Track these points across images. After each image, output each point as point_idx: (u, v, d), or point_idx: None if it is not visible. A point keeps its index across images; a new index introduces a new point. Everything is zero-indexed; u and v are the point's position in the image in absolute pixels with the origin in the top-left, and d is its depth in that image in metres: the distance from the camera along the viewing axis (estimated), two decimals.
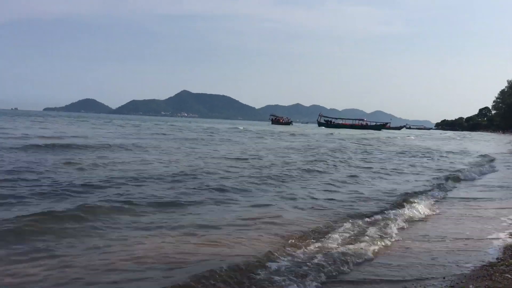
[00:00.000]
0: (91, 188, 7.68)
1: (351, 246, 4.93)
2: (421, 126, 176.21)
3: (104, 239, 4.88)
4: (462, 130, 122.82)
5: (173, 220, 5.83)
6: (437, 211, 7.50)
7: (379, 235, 5.55)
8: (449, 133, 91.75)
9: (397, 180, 11.45)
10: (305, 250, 4.73)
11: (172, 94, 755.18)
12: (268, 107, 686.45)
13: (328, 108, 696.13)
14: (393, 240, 5.46)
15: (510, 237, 5.70)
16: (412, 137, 49.44)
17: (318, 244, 4.98)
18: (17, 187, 7.38)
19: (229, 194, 7.86)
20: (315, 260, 4.36)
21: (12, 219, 5.26)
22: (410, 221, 6.62)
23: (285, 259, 4.35)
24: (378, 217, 6.52)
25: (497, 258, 4.79)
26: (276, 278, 3.88)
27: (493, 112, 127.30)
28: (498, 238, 5.69)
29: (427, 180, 11.30)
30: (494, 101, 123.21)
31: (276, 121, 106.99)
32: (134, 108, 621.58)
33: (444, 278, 4.17)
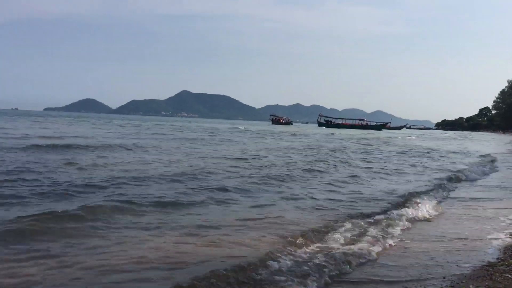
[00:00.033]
0: (91, 188, 7.69)
1: (352, 247, 4.93)
2: (421, 126, 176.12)
3: (104, 239, 4.89)
4: (462, 130, 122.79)
5: (174, 220, 5.83)
6: (438, 211, 7.49)
7: (380, 235, 5.55)
8: (450, 133, 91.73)
9: (398, 180, 11.46)
10: (307, 250, 4.73)
11: (172, 94, 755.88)
12: (268, 107, 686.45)
13: (328, 108, 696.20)
14: (395, 240, 5.45)
15: (510, 237, 5.70)
16: (413, 137, 49.43)
17: (319, 244, 4.98)
18: (18, 187, 7.38)
19: (230, 194, 7.86)
20: (317, 261, 4.36)
21: (13, 219, 5.27)
22: (411, 221, 6.62)
23: (287, 259, 4.35)
24: (380, 217, 6.51)
25: (497, 258, 4.80)
26: (278, 278, 3.88)
27: (493, 112, 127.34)
28: (498, 238, 5.69)
29: (429, 181, 11.29)
30: (494, 101, 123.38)
31: (276, 121, 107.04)
32: (134, 108, 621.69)
33: (444, 278, 4.17)
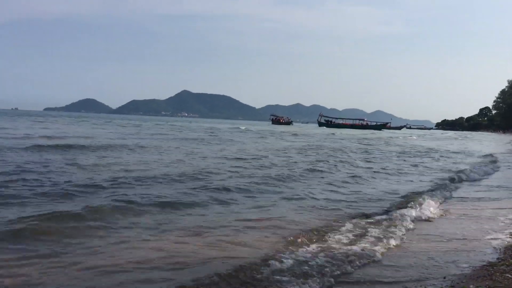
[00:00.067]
0: (92, 188, 7.70)
1: (354, 247, 4.93)
2: (422, 126, 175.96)
3: (105, 240, 4.90)
4: (462, 130, 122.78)
5: (175, 221, 5.85)
6: (440, 211, 7.49)
7: (382, 235, 5.54)
8: (450, 133, 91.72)
9: (400, 180, 11.47)
10: (308, 250, 4.73)
11: (173, 94, 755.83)
12: (269, 107, 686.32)
13: (329, 108, 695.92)
14: (397, 240, 5.44)
15: (510, 237, 5.71)
16: (414, 137, 49.44)
17: (320, 245, 4.98)
18: (19, 188, 7.40)
19: (231, 195, 7.87)
20: (318, 261, 4.36)
21: (14, 219, 5.29)
22: (413, 221, 6.59)
23: (289, 259, 4.35)
24: (381, 217, 6.51)
25: (497, 258, 4.80)
26: (280, 278, 3.89)
27: (494, 112, 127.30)
28: (498, 238, 5.69)
29: (430, 181, 11.29)
30: (494, 101, 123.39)
31: (276, 121, 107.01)
32: (135, 108, 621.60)
33: (444, 278, 4.18)
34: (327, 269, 4.21)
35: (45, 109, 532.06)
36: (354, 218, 6.42)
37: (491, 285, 3.94)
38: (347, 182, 10.37)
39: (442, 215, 7.23)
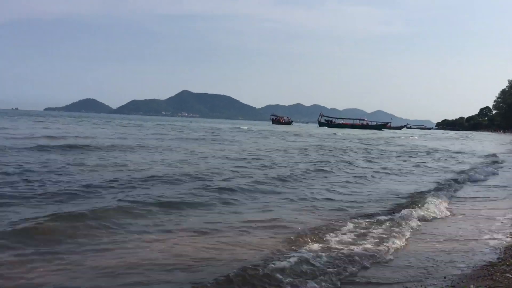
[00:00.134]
0: (95, 188, 7.70)
1: (356, 247, 4.94)
2: (422, 126, 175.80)
3: (109, 240, 4.91)
4: (463, 130, 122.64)
5: (178, 222, 5.86)
6: (442, 211, 7.51)
7: (385, 235, 5.54)
8: (451, 133, 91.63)
9: (402, 180, 11.50)
10: (311, 250, 4.74)
11: (173, 94, 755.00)
12: (269, 106, 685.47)
13: (329, 107, 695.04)
14: (400, 241, 5.43)
15: (511, 237, 5.74)
16: (416, 137, 49.42)
17: (323, 245, 4.99)
18: (21, 188, 7.40)
19: (233, 195, 7.88)
20: (321, 261, 4.38)
21: (17, 220, 5.29)
22: (415, 221, 6.59)
23: (291, 260, 4.35)
24: (384, 217, 6.51)
25: (498, 258, 4.82)
26: (283, 279, 3.90)
27: (494, 111, 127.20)
28: (499, 238, 5.72)
29: (433, 181, 11.31)
30: (494, 101, 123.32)
31: (276, 121, 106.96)
32: (135, 108, 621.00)
33: (445, 278, 4.20)
34: (330, 269, 4.23)
35: (46, 109, 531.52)
36: (356, 218, 6.44)
37: (491, 285, 3.96)
38: (349, 182, 10.39)
39: (444, 215, 7.25)
